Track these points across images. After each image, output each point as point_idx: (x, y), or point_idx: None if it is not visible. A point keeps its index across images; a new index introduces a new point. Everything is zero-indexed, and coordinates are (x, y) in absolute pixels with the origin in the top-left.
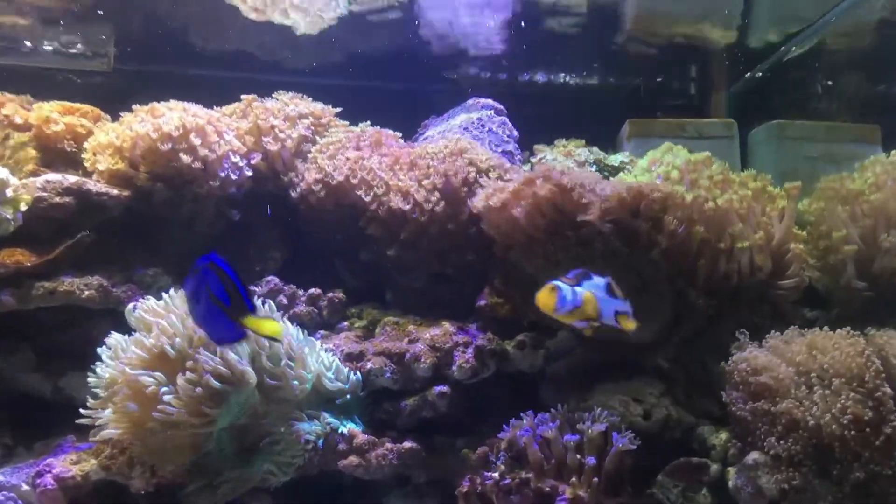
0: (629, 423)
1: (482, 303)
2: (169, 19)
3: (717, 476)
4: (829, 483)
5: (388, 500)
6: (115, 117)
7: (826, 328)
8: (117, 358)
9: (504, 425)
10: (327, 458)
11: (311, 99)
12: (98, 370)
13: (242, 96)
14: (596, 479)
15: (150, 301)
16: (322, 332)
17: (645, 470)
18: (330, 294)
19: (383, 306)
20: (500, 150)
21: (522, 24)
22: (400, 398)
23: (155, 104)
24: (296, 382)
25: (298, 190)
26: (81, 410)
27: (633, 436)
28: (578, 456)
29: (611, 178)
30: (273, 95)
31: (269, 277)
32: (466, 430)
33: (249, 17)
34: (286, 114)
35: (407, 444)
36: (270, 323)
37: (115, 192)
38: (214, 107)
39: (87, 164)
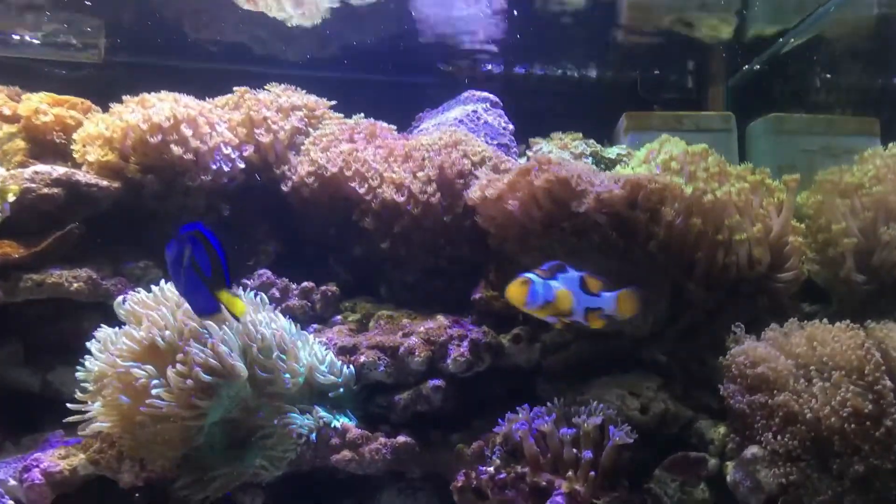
0: (626, 417)
1: (477, 296)
2: (161, 10)
3: (715, 471)
4: (829, 477)
5: (382, 496)
6: (105, 109)
7: (825, 321)
8: (107, 351)
9: (499, 419)
10: (320, 452)
11: (304, 91)
12: (87, 363)
13: (235, 88)
14: (592, 474)
15: (141, 293)
16: (315, 325)
17: (642, 464)
18: (323, 287)
19: (377, 300)
20: (495, 142)
21: (518, 14)
22: (394, 392)
23: (145, 95)
24: (288, 376)
25: (291, 182)
26: (69, 405)
27: (630, 429)
28: (575, 450)
29: (608, 171)
30: (265, 87)
31: (262, 271)
32: (461, 424)
33: (243, 7)
34: (279, 105)
35: (401, 439)
36: (238, 302)
37: (104, 183)
38: (207, 99)
39: (76, 156)
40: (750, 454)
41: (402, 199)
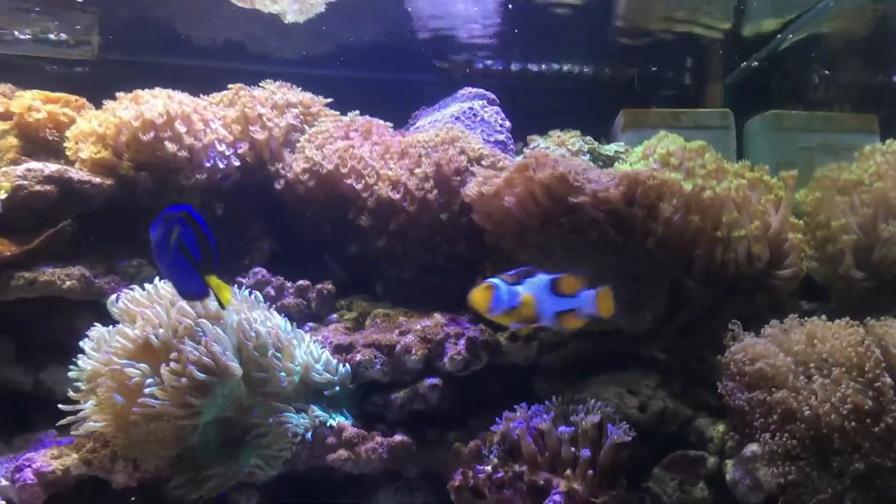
0: (624, 415)
1: None
2: (155, 7)
3: (714, 469)
4: (829, 475)
5: (378, 495)
6: (99, 107)
7: (824, 318)
8: (101, 350)
9: (497, 418)
10: (316, 451)
11: (300, 89)
12: (80, 362)
13: (230, 85)
14: (591, 472)
15: (135, 291)
16: (311, 324)
17: (641, 463)
18: (319, 286)
19: (374, 298)
20: (492, 139)
21: (514, 10)
22: (390, 391)
23: (139, 91)
24: (283, 374)
25: (286, 180)
26: (62, 407)
27: (629, 427)
28: (573, 448)
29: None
30: (260, 84)
31: (257, 269)
32: (458, 423)
33: (237, 4)
34: (274, 102)
35: (398, 438)
36: (226, 289)
37: (97, 180)
38: (202, 96)
39: (69, 153)
40: (749, 452)
41: (398, 196)
